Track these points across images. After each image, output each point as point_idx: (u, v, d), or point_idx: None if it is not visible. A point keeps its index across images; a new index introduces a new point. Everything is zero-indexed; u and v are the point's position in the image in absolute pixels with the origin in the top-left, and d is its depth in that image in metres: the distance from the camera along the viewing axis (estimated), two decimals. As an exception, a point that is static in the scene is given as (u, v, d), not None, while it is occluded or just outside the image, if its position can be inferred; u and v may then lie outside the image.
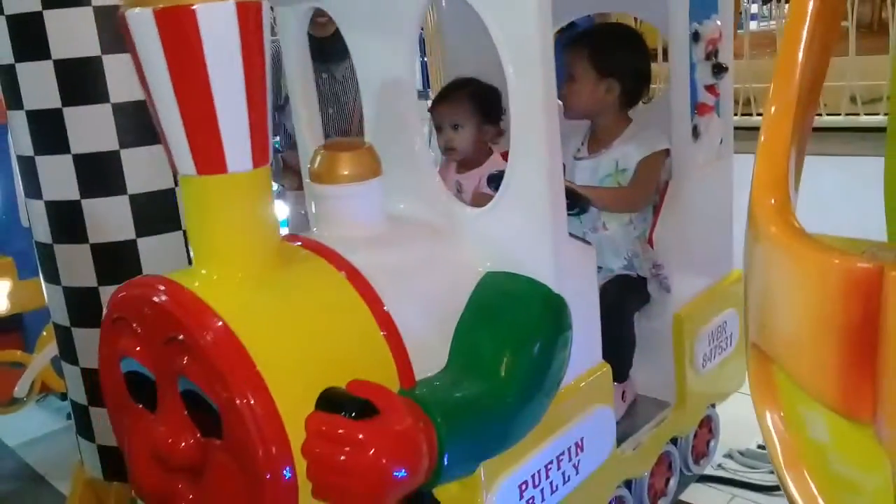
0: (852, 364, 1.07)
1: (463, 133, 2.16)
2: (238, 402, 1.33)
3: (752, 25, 5.67)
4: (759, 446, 2.50)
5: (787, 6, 5.10)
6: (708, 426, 2.47)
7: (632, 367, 2.19)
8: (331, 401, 1.39)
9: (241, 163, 1.42)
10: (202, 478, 1.46)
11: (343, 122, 2.96)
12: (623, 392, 2.19)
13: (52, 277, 2.21)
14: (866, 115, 4.08)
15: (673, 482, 2.33)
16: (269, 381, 1.35)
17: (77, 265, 2.14)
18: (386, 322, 1.56)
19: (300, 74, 2.07)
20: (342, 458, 1.32)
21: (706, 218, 2.26)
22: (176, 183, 2.10)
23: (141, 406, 1.56)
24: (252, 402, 1.33)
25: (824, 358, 1.11)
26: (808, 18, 1.32)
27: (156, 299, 1.43)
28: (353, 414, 1.35)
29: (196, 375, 1.38)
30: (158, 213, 2.10)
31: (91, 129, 2.03)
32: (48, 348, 2.84)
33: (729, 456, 2.54)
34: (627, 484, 2.13)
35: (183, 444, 1.44)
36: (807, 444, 1.31)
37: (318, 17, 2.77)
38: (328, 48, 2.78)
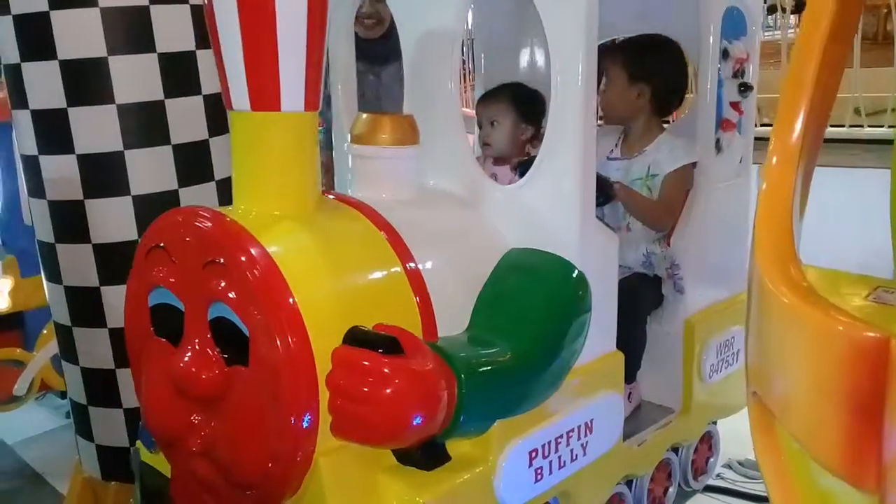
0: (857, 432, 1.04)
1: (499, 129, 2.22)
2: (271, 323, 1.36)
3: None
4: (759, 459, 2.50)
5: (792, 17, 5.17)
6: (708, 442, 2.48)
7: (640, 368, 2.21)
8: (358, 337, 1.42)
9: (294, 102, 1.47)
10: (220, 410, 1.47)
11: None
12: (630, 393, 2.21)
13: (54, 276, 2.20)
14: (870, 126, 4.05)
15: (671, 491, 2.33)
16: (303, 308, 1.39)
17: (79, 265, 2.13)
18: (416, 280, 1.60)
19: (343, 42, 2.13)
20: (365, 388, 1.35)
21: (723, 231, 2.32)
22: (179, 185, 2.11)
23: (164, 340, 1.58)
24: (284, 324, 1.36)
25: (828, 423, 1.08)
26: (817, 44, 1.26)
27: (198, 224, 1.47)
28: (380, 350, 1.38)
29: (231, 300, 1.41)
30: (161, 213, 2.08)
31: (96, 129, 2.02)
32: (48, 346, 2.83)
33: (728, 466, 2.55)
34: (628, 483, 2.14)
35: (206, 373, 1.46)
36: (806, 486, 1.30)
37: (366, 19, 2.88)
38: (375, 50, 2.85)
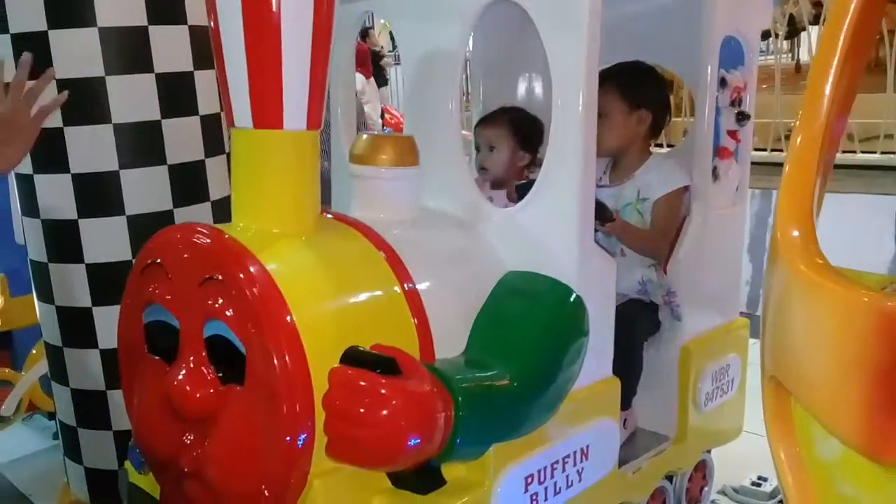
0: (879, 405, 1.06)
1: (497, 155, 2.22)
2: (269, 342, 1.34)
3: None
4: (753, 483, 2.49)
5: (785, 42, 5.21)
6: (703, 471, 2.46)
7: (635, 395, 2.20)
8: (356, 357, 1.41)
9: (297, 121, 1.48)
10: (213, 430, 1.45)
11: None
12: (625, 420, 2.19)
13: (46, 296, 2.19)
14: (863, 152, 4.08)
15: (665, 520, 2.31)
16: (301, 328, 1.37)
17: (71, 285, 2.12)
18: (414, 300, 1.59)
19: (344, 64, 2.14)
20: (361, 409, 1.33)
21: (718, 259, 2.32)
22: (174, 205, 2.11)
23: (157, 358, 1.57)
24: (282, 344, 1.35)
25: (848, 397, 1.10)
26: (837, 52, 1.34)
27: (196, 240, 1.46)
28: (378, 370, 1.37)
29: (228, 317, 1.40)
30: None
31: (91, 149, 2.02)
32: (37, 367, 2.81)
33: (723, 492, 2.53)
34: (623, 511, 2.12)
35: (200, 391, 1.44)
36: (818, 473, 1.29)
37: None
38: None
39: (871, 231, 1.91)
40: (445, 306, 1.64)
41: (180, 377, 1.45)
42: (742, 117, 2.26)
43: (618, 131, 2.22)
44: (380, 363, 1.38)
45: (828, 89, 1.35)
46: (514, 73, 2.66)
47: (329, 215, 1.70)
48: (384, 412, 1.33)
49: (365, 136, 1.77)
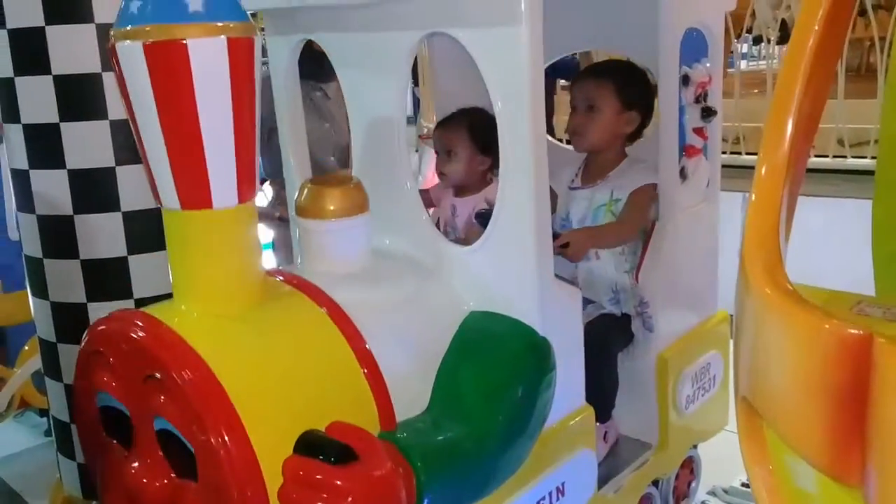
0: (841, 428, 1.07)
1: (456, 161, 2.16)
2: (214, 443, 1.30)
3: (743, 65, 5.76)
4: (743, 484, 2.49)
5: (777, 47, 5.23)
6: (689, 467, 2.45)
7: (614, 407, 2.18)
8: (310, 444, 1.36)
9: (226, 198, 1.41)
10: (176, 519, 1.43)
11: (339, 137, 2.92)
12: (605, 433, 2.17)
13: (41, 292, 2.20)
14: (853, 157, 4.17)
15: (653, 524, 2.31)
16: (247, 422, 1.33)
17: (66, 280, 2.13)
18: (367, 360, 1.54)
19: (289, 104, 2.05)
20: (319, 504, 1.30)
21: (692, 259, 2.26)
22: None
23: (115, 442, 1.53)
24: (228, 444, 1.31)
25: (813, 420, 1.12)
26: (804, 63, 1.32)
27: (133, 335, 1.40)
28: (332, 459, 1.33)
29: (172, 415, 1.35)
30: (151, 230, 2.08)
31: (87, 145, 2.04)
32: (30, 363, 2.83)
33: (713, 493, 2.53)
34: (608, 525, 2.11)
35: (156, 484, 1.42)
36: (794, 496, 1.31)
37: None
38: (325, 65, 2.76)
39: (864, 235, 1.88)
40: (402, 360, 1.59)
41: (136, 468, 1.43)
42: (708, 113, 2.17)
43: (606, 128, 2.14)
44: (334, 451, 1.33)
45: (791, 114, 1.33)
46: (474, 69, 2.54)
47: (278, 277, 1.64)
48: (342, 504, 1.30)
49: (309, 186, 1.69)
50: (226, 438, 1.30)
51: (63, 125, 2.01)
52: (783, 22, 4.99)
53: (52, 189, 2.07)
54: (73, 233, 2.08)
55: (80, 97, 2.00)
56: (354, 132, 1.92)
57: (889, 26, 4.09)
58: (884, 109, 2.02)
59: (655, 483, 2.29)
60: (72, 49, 1.98)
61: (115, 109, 2.00)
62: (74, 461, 2.26)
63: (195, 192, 1.38)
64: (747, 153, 4.44)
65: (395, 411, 1.55)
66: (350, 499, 1.29)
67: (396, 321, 1.65)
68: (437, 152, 2.25)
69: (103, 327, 1.49)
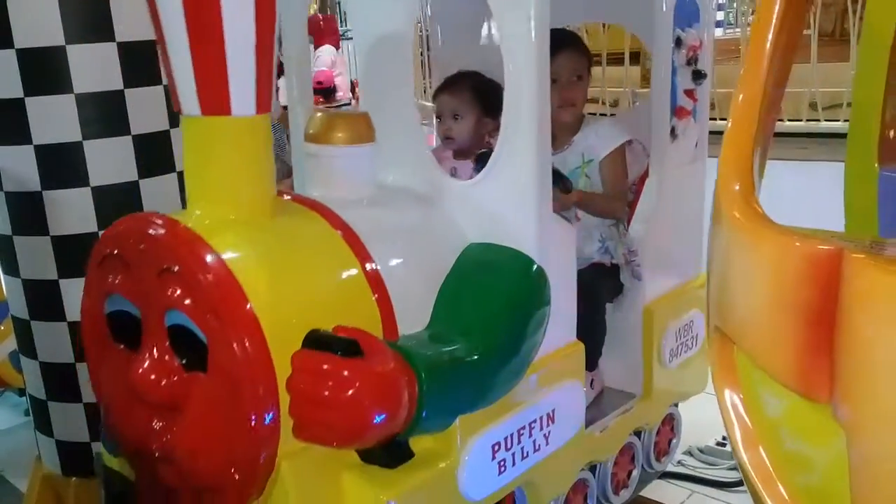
0: (810, 344, 1.11)
1: (462, 123, 2.20)
2: (229, 332, 1.35)
3: (718, 32, 5.83)
4: (718, 443, 2.57)
5: (752, 15, 5.27)
6: (670, 424, 2.53)
7: (601, 356, 2.25)
8: (318, 340, 1.42)
9: (245, 106, 1.46)
10: (180, 416, 1.47)
11: None
12: (592, 380, 2.24)
13: (12, 270, 2.17)
14: (826, 121, 4.15)
15: (635, 474, 2.38)
16: (260, 315, 1.38)
17: (37, 257, 2.10)
18: (375, 279, 1.60)
19: (296, 32, 2.09)
20: (325, 392, 1.35)
21: (679, 216, 2.35)
22: (140, 176, 2.09)
23: (122, 346, 1.57)
24: (242, 332, 1.36)
25: (783, 338, 1.15)
26: (773, 22, 1.40)
27: (152, 231, 1.46)
28: (339, 352, 1.38)
29: (187, 307, 1.40)
30: (121, 205, 2.04)
31: (54, 119, 1.99)
32: (5, 343, 2.77)
33: (689, 453, 2.60)
34: (592, 469, 2.18)
35: (164, 380, 1.45)
36: (763, 424, 1.36)
37: None
38: None
39: (837, 197, 1.97)
40: (406, 282, 1.65)
41: (144, 366, 1.46)
42: (698, 76, 2.27)
43: (579, 97, 2.22)
44: (341, 345, 1.39)
45: (767, 50, 1.41)
46: (475, 31, 2.62)
47: (287, 196, 1.70)
48: (347, 393, 1.35)
49: (319, 115, 1.76)
50: (238, 325, 1.36)
51: (28, 100, 1.97)
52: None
53: (19, 165, 2.04)
54: (41, 209, 2.05)
55: (44, 71, 1.95)
56: (361, 67, 1.99)
57: (862, -10, 4.06)
58: (856, 73, 2.12)
59: (638, 434, 2.37)
60: (34, 21, 1.93)
61: (81, 82, 1.97)
62: (53, 438, 2.25)
63: (215, 97, 1.43)
64: (722, 119, 4.48)
65: (399, 329, 1.61)
66: (355, 387, 1.35)
67: (402, 245, 1.72)
68: (438, 116, 2.31)
69: (119, 228, 1.54)
